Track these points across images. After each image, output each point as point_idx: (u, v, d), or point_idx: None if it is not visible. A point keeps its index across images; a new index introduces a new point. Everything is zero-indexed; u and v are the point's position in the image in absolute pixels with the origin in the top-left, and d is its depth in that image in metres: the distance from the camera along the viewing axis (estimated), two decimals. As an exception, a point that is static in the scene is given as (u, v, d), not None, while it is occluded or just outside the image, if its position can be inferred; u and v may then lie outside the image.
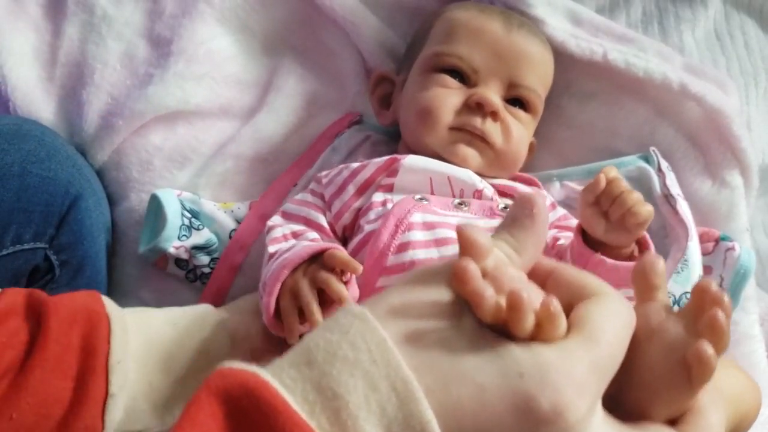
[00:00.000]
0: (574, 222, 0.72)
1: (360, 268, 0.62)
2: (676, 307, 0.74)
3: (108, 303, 0.60)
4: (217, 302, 0.74)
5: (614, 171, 0.66)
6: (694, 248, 0.76)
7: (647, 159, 0.84)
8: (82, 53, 0.87)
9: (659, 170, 0.82)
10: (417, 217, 0.69)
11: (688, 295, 0.73)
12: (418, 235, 0.68)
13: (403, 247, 0.67)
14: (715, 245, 0.79)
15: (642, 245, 0.68)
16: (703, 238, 0.78)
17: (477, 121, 0.75)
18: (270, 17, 0.92)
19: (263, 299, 0.64)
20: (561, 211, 0.79)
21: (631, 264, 0.65)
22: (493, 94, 0.75)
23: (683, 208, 0.78)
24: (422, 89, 0.77)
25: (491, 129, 0.75)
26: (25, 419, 0.51)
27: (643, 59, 0.85)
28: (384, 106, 0.85)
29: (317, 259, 0.63)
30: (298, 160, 0.86)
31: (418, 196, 0.72)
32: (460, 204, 0.72)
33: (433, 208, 0.71)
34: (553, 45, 0.85)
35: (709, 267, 0.78)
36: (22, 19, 0.88)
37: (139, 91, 0.84)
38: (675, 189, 0.80)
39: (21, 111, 0.83)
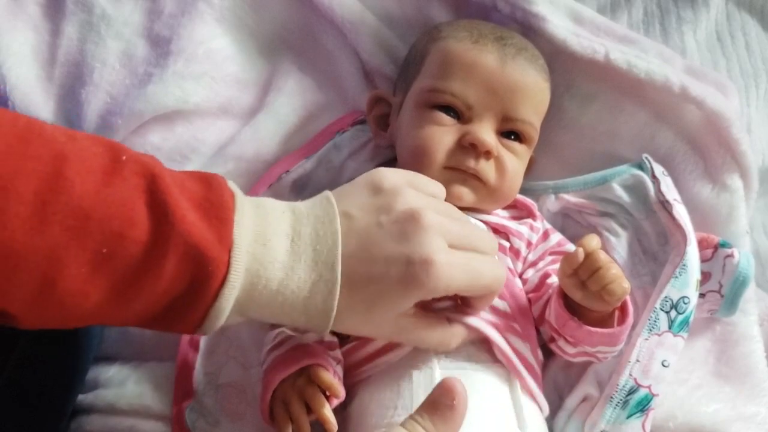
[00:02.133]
0: (570, 247, 0.72)
1: (342, 393, 0.65)
2: (673, 312, 0.75)
3: (238, 230, 0.54)
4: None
5: (595, 241, 0.68)
6: (692, 252, 0.76)
7: (641, 166, 0.83)
8: (81, 52, 0.86)
9: (653, 176, 0.82)
10: None
11: (686, 300, 0.74)
12: None
13: None
14: (714, 252, 0.78)
15: (623, 307, 0.70)
16: (702, 245, 0.78)
17: (470, 162, 0.75)
18: (269, 17, 0.92)
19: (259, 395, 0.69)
20: (555, 239, 0.80)
21: (605, 330, 0.69)
22: (486, 131, 0.75)
23: (680, 213, 0.78)
24: (416, 127, 0.77)
25: (485, 168, 0.75)
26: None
27: (644, 60, 0.85)
28: (381, 127, 0.85)
29: (305, 371, 0.66)
30: (295, 151, 0.86)
31: None
32: None
33: None
34: (554, 43, 0.85)
35: (708, 273, 0.78)
36: (21, 19, 0.88)
37: (138, 91, 0.84)
38: (671, 194, 0.80)
39: (20, 110, 0.83)
